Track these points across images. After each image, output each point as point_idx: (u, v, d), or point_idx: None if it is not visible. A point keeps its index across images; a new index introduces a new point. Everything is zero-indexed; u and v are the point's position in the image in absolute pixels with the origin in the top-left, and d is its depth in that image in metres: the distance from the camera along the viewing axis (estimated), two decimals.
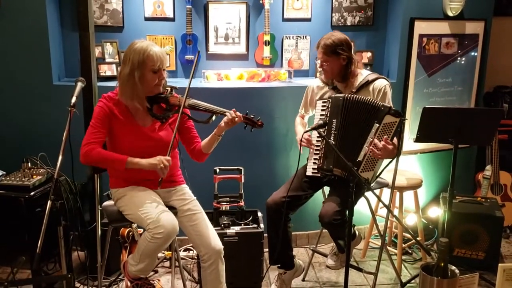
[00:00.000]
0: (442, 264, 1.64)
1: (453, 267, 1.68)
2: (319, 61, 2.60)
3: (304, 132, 2.50)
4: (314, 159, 2.53)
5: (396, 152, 2.39)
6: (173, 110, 2.31)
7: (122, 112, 2.25)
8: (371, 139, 2.38)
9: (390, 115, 2.36)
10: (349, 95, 2.47)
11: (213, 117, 2.33)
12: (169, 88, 2.33)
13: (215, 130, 2.32)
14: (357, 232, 2.84)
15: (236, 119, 2.27)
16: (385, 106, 2.39)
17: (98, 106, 2.24)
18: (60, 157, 2.04)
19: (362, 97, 2.44)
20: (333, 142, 2.40)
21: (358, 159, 2.40)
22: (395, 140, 2.40)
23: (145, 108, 2.27)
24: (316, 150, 2.54)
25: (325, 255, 2.97)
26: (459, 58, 3.56)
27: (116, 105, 2.25)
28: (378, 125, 2.37)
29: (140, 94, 2.23)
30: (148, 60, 2.16)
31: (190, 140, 2.41)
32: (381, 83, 2.59)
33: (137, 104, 2.24)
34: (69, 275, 1.45)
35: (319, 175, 2.50)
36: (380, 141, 2.34)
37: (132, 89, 2.19)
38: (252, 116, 2.34)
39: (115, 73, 3.28)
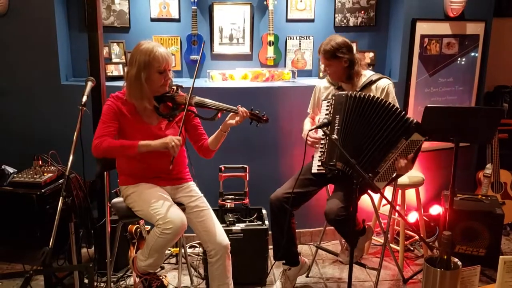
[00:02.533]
0: (445, 256, 1.69)
1: (456, 259, 1.72)
2: (323, 66, 2.68)
3: (309, 131, 2.54)
4: (319, 156, 2.58)
5: (411, 168, 2.44)
6: (180, 109, 2.34)
7: (130, 111, 2.30)
8: (393, 154, 2.38)
9: (418, 133, 2.36)
10: (353, 92, 2.49)
11: (219, 114, 2.37)
12: (175, 87, 2.37)
13: (221, 126, 2.36)
14: (366, 226, 2.87)
15: (239, 118, 2.30)
16: (416, 123, 2.37)
17: (107, 104, 2.29)
18: (71, 155, 2.06)
19: (367, 94, 2.46)
20: (336, 137, 2.42)
21: (377, 169, 2.41)
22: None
23: (153, 107, 2.31)
24: (321, 147, 2.58)
25: (328, 252, 3.02)
26: (459, 58, 3.61)
27: (124, 105, 2.29)
28: (405, 141, 2.37)
29: (147, 94, 2.27)
30: (154, 61, 2.20)
31: (197, 137, 2.46)
32: (385, 82, 2.65)
33: (145, 103, 2.28)
34: (90, 264, 1.49)
35: (324, 171, 2.54)
36: (402, 157, 2.38)
37: (139, 89, 2.23)
38: (257, 112, 2.39)
39: (121, 73, 3.33)
